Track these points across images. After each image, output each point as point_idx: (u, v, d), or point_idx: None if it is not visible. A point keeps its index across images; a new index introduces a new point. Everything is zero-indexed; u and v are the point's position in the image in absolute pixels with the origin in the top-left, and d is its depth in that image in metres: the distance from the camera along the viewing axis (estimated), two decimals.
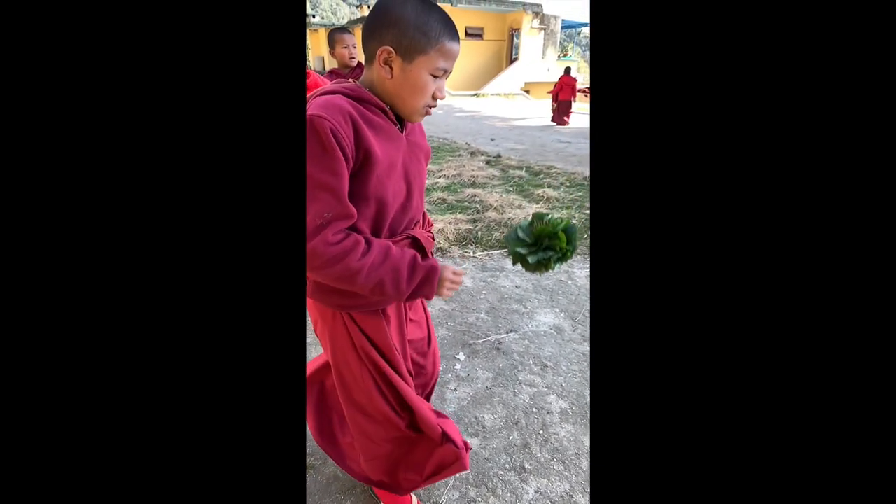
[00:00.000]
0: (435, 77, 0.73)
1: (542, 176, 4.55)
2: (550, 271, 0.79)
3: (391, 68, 0.71)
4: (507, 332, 1.94)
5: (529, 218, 0.80)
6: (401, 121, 0.79)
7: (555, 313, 2.10)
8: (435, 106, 0.78)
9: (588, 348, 1.83)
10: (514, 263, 0.79)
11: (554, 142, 6.83)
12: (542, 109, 11.33)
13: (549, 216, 0.78)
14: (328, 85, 0.75)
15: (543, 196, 3.77)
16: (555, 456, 1.32)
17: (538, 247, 0.75)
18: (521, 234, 0.77)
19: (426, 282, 0.77)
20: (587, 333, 1.93)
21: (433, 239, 0.92)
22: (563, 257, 0.76)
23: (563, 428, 1.42)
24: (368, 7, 22.63)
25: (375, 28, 0.70)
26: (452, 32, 0.72)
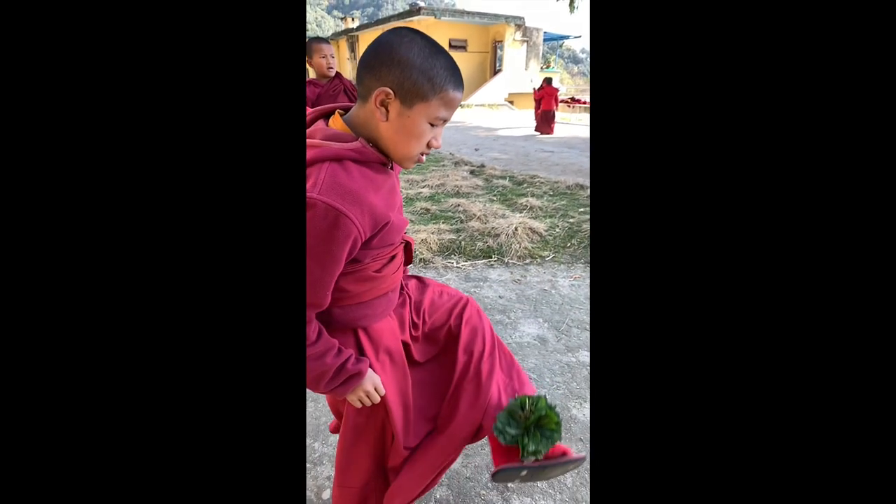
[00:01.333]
0: (433, 125, 0.68)
1: (525, 185, 4.56)
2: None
3: (387, 111, 0.66)
4: None
5: (506, 412, 0.85)
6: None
7: (538, 324, 2.07)
8: (428, 154, 0.73)
9: (572, 359, 1.80)
10: (525, 458, 0.82)
11: (537, 151, 6.88)
12: (525, 119, 11.46)
13: (523, 402, 0.84)
14: (328, 143, 0.67)
15: (527, 205, 3.77)
16: None
17: (535, 433, 0.81)
18: (511, 430, 0.82)
19: (344, 386, 0.77)
20: (571, 344, 1.90)
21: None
22: (560, 427, 0.82)
23: None
24: (353, 20, 22.75)
25: (375, 65, 0.65)
26: (457, 81, 0.67)
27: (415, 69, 0.63)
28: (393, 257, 0.81)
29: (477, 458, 1.32)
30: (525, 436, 0.82)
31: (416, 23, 15.04)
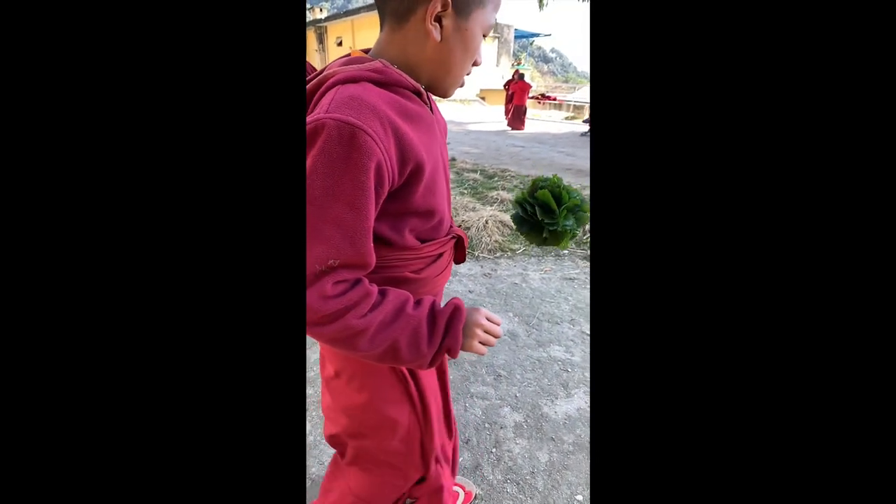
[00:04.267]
0: (484, 37, 0.57)
1: (496, 179, 4.50)
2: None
3: (441, 27, 0.53)
4: None
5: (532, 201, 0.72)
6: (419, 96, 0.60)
7: (509, 318, 2.00)
8: (470, 73, 0.61)
9: (543, 354, 1.74)
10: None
11: (508, 146, 6.85)
12: (496, 115, 11.45)
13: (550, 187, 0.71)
14: (342, 68, 0.53)
15: (497, 198, 3.71)
16: (508, 477, 1.20)
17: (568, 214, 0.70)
18: (548, 219, 0.69)
19: (451, 334, 0.56)
20: (542, 338, 1.84)
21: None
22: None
23: (517, 444, 1.31)
24: (321, 10, 22.14)
25: None
26: None
27: None
28: (439, 256, 0.64)
29: None
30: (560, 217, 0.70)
31: None
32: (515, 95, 8.82)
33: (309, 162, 0.47)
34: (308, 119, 0.47)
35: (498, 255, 2.72)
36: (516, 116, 8.97)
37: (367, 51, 0.59)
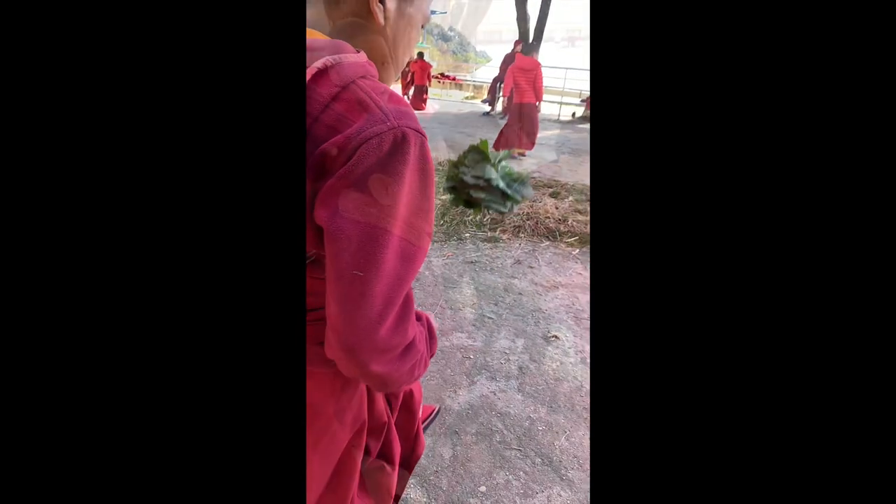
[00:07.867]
0: (422, 27, 0.56)
1: None
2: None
3: (384, 7, 0.50)
4: None
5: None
6: None
7: None
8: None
9: (445, 343, 1.72)
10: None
11: None
12: None
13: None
14: (345, 56, 0.46)
15: None
16: (412, 480, 1.16)
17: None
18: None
19: (425, 367, 0.59)
20: (444, 327, 1.82)
21: None
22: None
23: None
24: None
25: None
26: None
27: None
28: None
29: None
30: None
31: None
32: (416, 75, 8.66)
33: (389, 174, 0.43)
34: (371, 127, 0.42)
35: None
36: (417, 96, 8.83)
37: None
